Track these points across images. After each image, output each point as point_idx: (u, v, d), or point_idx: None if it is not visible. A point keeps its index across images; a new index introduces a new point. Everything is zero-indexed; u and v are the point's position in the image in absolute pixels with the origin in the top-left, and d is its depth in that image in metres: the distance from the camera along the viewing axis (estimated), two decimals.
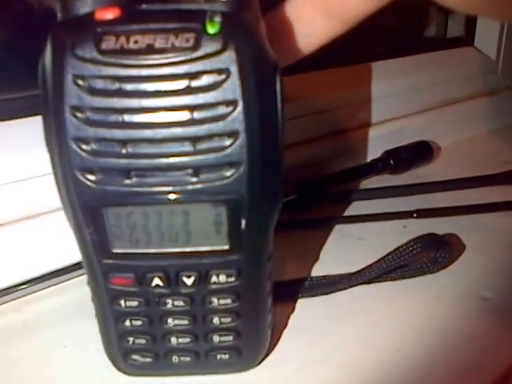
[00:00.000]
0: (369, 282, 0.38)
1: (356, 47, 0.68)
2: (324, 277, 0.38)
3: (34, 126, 0.36)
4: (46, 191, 0.36)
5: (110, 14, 0.23)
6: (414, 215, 0.48)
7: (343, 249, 0.44)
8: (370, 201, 0.52)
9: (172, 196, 0.24)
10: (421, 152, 0.61)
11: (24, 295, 0.38)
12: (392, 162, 0.57)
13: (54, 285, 0.39)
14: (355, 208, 0.51)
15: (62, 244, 0.37)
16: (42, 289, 0.38)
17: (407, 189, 0.54)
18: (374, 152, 0.59)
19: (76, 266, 0.38)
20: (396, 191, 0.53)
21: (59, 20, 0.24)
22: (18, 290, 0.37)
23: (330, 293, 0.37)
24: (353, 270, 0.38)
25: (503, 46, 0.80)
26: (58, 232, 0.37)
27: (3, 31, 0.42)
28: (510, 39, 0.79)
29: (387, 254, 0.37)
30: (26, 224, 0.37)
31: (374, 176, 0.57)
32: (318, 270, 0.40)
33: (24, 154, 0.37)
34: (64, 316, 0.36)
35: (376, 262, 0.37)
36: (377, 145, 0.59)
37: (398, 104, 0.65)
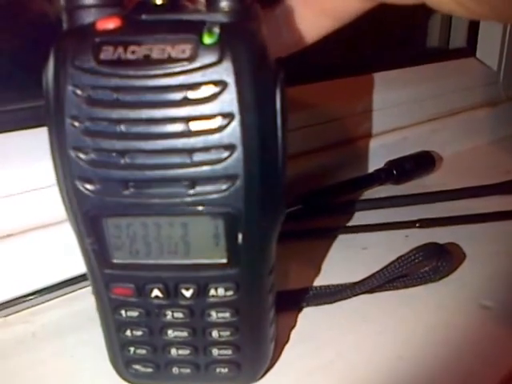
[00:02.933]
0: (371, 291, 0.37)
1: (359, 58, 0.68)
2: (327, 286, 0.37)
3: (40, 136, 0.36)
4: (55, 201, 0.35)
5: (110, 24, 0.22)
6: (417, 225, 0.47)
7: (346, 258, 0.42)
8: (373, 211, 0.51)
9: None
10: (423, 162, 0.59)
11: (32, 306, 0.37)
12: (395, 172, 0.56)
13: (61, 295, 0.38)
14: (358, 218, 0.49)
15: (69, 254, 0.35)
16: (50, 299, 0.37)
17: (410, 199, 0.52)
18: (377, 162, 0.57)
19: (83, 277, 0.37)
20: (399, 201, 0.52)
21: (64, 30, 0.24)
22: (25, 301, 0.36)
23: (333, 302, 0.36)
24: (355, 279, 0.37)
25: (504, 56, 0.79)
26: (64, 242, 0.36)
27: (9, 41, 0.41)
28: (511, 50, 0.78)
29: (389, 264, 0.36)
30: (33, 234, 0.36)
31: (377, 186, 0.55)
32: (321, 280, 0.39)
33: (36, 164, 0.36)
34: (71, 326, 0.35)
35: (378, 272, 0.36)
36: (380, 155, 0.58)
37: (400, 114, 0.64)
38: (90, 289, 0.32)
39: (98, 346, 0.29)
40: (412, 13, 0.82)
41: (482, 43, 0.80)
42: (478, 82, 0.77)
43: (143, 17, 0.23)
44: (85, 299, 0.37)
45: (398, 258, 0.36)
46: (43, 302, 0.37)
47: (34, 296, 0.37)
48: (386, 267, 0.36)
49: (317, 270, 0.40)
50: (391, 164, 0.56)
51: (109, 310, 0.27)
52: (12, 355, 0.32)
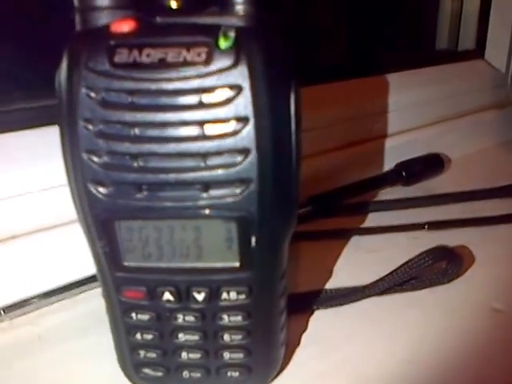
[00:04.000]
0: (381, 293, 0.37)
1: (370, 59, 0.67)
2: (338, 289, 0.37)
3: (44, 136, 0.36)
4: (60, 203, 0.35)
5: (125, 27, 0.22)
6: (426, 227, 0.46)
7: (355, 260, 0.42)
8: (383, 212, 0.50)
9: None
10: (432, 164, 0.59)
11: (37, 308, 0.36)
12: (404, 174, 0.55)
13: (66, 298, 0.38)
14: (367, 220, 0.49)
15: (76, 257, 0.35)
16: (56, 302, 0.37)
17: (419, 201, 0.52)
18: (386, 164, 0.57)
19: (90, 279, 0.37)
20: (408, 203, 0.52)
21: (77, 31, 0.23)
22: (31, 304, 0.36)
23: (343, 304, 0.36)
24: (364, 281, 0.37)
25: None
26: (71, 245, 0.36)
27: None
28: None
29: (399, 267, 0.36)
30: (39, 236, 0.36)
31: (387, 188, 0.55)
32: (330, 282, 0.39)
33: (40, 165, 0.36)
34: (78, 329, 0.35)
35: (388, 275, 0.36)
36: (389, 157, 0.58)
37: (409, 116, 0.64)
38: (96, 291, 0.33)
39: (105, 349, 0.29)
40: (422, 15, 0.83)
41: (490, 45, 0.80)
42: (487, 84, 0.77)
43: (158, 20, 0.23)
44: (91, 301, 0.37)
45: (407, 261, 0.36)
46: (49, 305, 0.37)
47: (40, 298, 0.36)
48: (395, 270, 0.36)
49: (326, 272, 0.40)
50: (400, 166, 0.56)
51: (119, 313, 0.26)
52: (18, 358, 0.32)
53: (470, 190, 0.54)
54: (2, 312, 0.34)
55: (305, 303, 0.35)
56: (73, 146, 0.23)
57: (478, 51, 0.80)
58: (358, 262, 0.42)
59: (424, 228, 0.46)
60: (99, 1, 0.23)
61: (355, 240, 0.45)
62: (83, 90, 0.22)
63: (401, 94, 0.62)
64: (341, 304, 0.36)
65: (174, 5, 0.24)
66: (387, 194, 0.54)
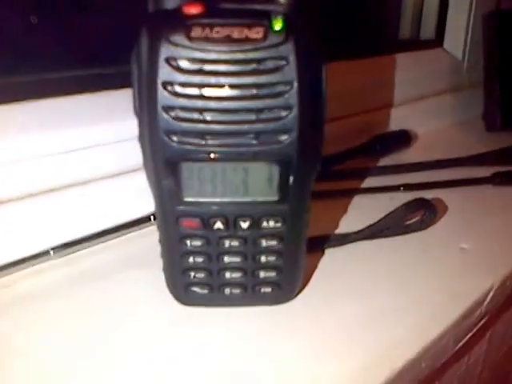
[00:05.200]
0: (370, 238, 0.44)
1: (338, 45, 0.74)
2: (335, 234, 0.44)
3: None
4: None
5: (194, 10, 0.28)
6: (401, 188, 0.54)
7: (347, 215, 0.49)
8: (359, 178, 0.57)
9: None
10: (401, 138, 0.67)
11: (78, 250, 0.42)
12: (378, 146, 0.63)
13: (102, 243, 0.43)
14: (349, 184, 0.56)
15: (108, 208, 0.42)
16: (93, 246, 0.42)
17: (393, 168, 0.60)
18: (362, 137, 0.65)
19: (121, 227, 0.43)
20: (384, 171, 0.59)
21: (152, 12, 0.29)
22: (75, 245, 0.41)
23: (342, 245, 0.43)
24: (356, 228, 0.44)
25: (468, 47, 0.86)
26: (103, 196, 0.43)
27: None
28: (474, 41, 0.86)
29: (384, 216, 0.43)
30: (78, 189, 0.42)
31: (363, 157, 0.62)
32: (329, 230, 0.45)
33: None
34: (116, 268, 0.40)
35: (376, 223, 0.43)
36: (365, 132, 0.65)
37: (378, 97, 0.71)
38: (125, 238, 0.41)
39: (147, 280, 0.36)
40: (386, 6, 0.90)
41: (448, 35, 0.88)
42: (445, 70, 0.85)
43: (221, 5, 0.29)
44: (120, 247, 0.43)
45: (391, 211, 0.43)
46: (84, 249, 0.42)
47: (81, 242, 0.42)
48: (381, 219, 0.43)
49: (326, 223, 0.47)
50: (375, 139, 0.63)
51: (176, 241, 0.32)
52: (61, 294, 0.37)
53: (437, 160, 0.62)
54: (52, 252, 0.40)
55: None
56: (150, 102, 0.29)
57: (438, 40, 0.88)
58: (349, 215, 0.49)
59: (400, 189, 0.53)
60: None
61: (342, 199, 0.52)
62: (163, 58, 0.28)
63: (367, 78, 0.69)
64: (340, 244, 0.43)
65: None
66: (364, 163, 0.62)
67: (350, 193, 0.54)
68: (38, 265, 0.39)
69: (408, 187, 0.54)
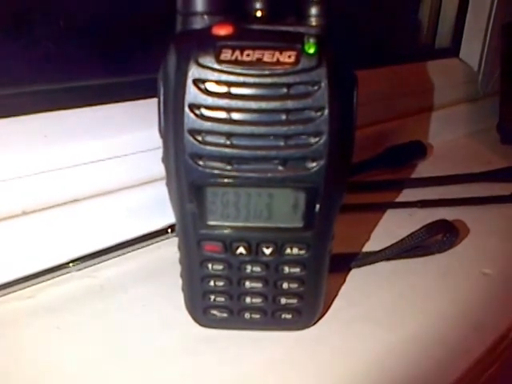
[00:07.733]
0: (389, 259, 0.43)
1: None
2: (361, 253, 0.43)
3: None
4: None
5: (224, 31, 0.27)
6: (419, 204, 0.52)
7: (362, 231, 0.48)
8: (372, 192, 0.56)
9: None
10: (416, 149, 0.66)
11: (94, 264, 0.41)
12: (393, 157, 0.62)
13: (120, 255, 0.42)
14: (362, 198, 0.54)
15: (127, 219, 0.42)
16: (109, 259, 0.41)
17: (409, 182, 0.59)
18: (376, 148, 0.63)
19: (139, 239, 0.42)
20: (401, 184, 0.58)
21: (181, 32, 0.28)
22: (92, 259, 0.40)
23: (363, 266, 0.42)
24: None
25: (484, 58, 0.85)
26: (124, 208, 0.42)
27: None
28: (490, 52, 0.84)
29: (404, 237, 0.42)
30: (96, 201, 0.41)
31: (377, 169, 0.61)
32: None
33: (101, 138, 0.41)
34: (134, 280, 0.39)
35: (395, 243, 0.42)
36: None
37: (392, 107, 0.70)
38: (144, 250, 0.41)
39: (164, 296, 0.36)
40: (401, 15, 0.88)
41: (465, 45, 0.86)
42: (460, 80, 0.83)
43: (251, 27, 0.27)
44: (141, 258, 0.42)
45: (412, 233, 0.42)
46: (104, 261, 0.41)
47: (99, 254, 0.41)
48: (401, 240, 0.42)
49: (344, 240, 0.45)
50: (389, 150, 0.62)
51: (197, 264, 0.31)
52: (82, 305, 0.36)
53: (452, 174, 0.60)
54: (71, 264, 0.39)
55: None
56: (176, 125, 0.28)
57: (454, 50, 0.87)
58: (367, 231, 0.48)
59: (417, 205, 0.52)
60: (198, 7, 0.28)
61: (358, 214, 0.51)
62: (192, 81, 0.27)
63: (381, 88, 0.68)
64: (361, 265, 0.42)
65: (259, 14, 0.29)
66: (378, 175, 0.60)
67: (366, 208, 0.52)
68: (59, 277, 0.39)
69: (425, 203, 0.53)
